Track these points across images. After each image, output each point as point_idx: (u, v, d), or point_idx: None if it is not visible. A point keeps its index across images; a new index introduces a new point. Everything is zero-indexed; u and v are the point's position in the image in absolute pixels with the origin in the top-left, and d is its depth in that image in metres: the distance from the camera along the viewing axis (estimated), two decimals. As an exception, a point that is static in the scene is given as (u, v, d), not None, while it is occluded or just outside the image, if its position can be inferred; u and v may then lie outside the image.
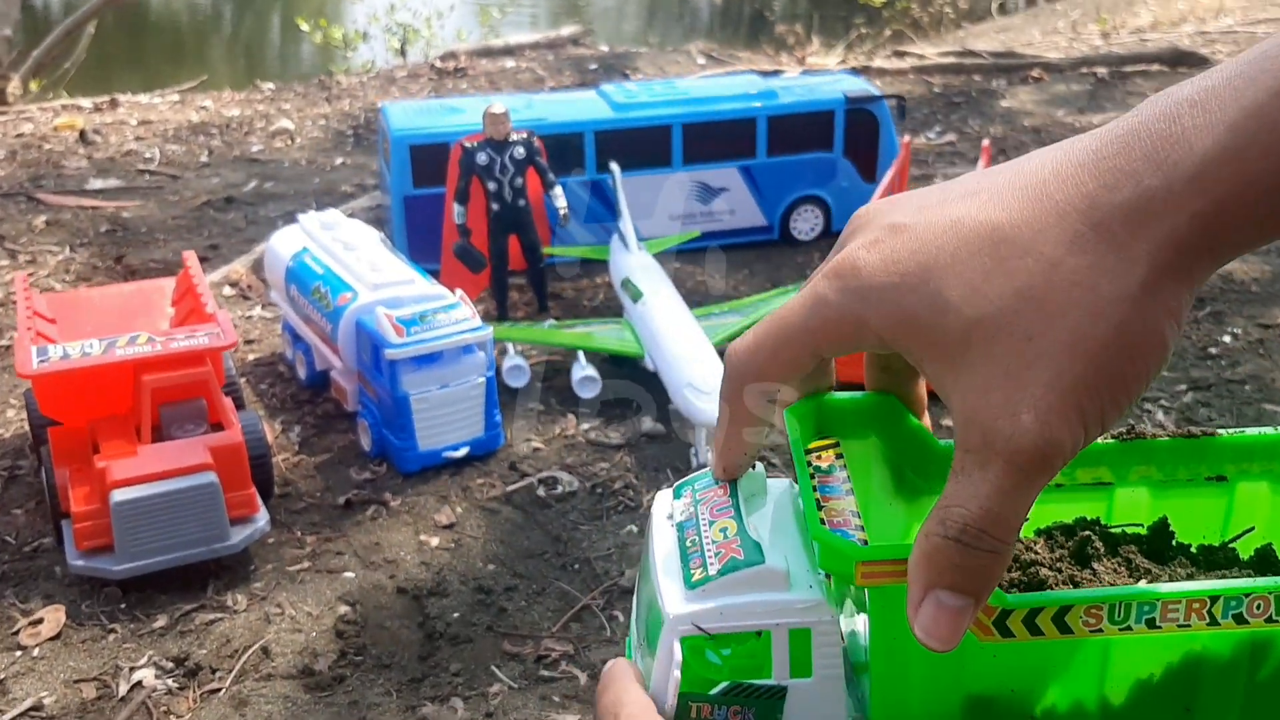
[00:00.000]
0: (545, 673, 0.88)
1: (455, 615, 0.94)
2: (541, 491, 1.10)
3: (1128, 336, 0.52)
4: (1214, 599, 0.65)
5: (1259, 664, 0.68)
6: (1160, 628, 0.66)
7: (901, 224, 0.54)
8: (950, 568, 0.53)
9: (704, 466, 1.07)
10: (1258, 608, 0.66)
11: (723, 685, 0.66)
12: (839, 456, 0.76)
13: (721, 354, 1.19)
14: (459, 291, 1.16)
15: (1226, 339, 1.34)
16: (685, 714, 0.66)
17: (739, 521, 0.71)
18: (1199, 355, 1.30)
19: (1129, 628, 0.65)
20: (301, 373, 1.32)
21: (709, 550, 0.70)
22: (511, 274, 1.44)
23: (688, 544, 0.72)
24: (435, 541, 1.04)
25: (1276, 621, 0.66)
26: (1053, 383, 0.51)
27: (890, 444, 0.81)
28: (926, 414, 0.77)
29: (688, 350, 1.13)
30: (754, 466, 0.77)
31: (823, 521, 0.67)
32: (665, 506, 0.79)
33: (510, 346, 1.29)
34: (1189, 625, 0.66)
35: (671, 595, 0.70)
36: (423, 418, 1.12)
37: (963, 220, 0.50)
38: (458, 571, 1.00)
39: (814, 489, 0.69)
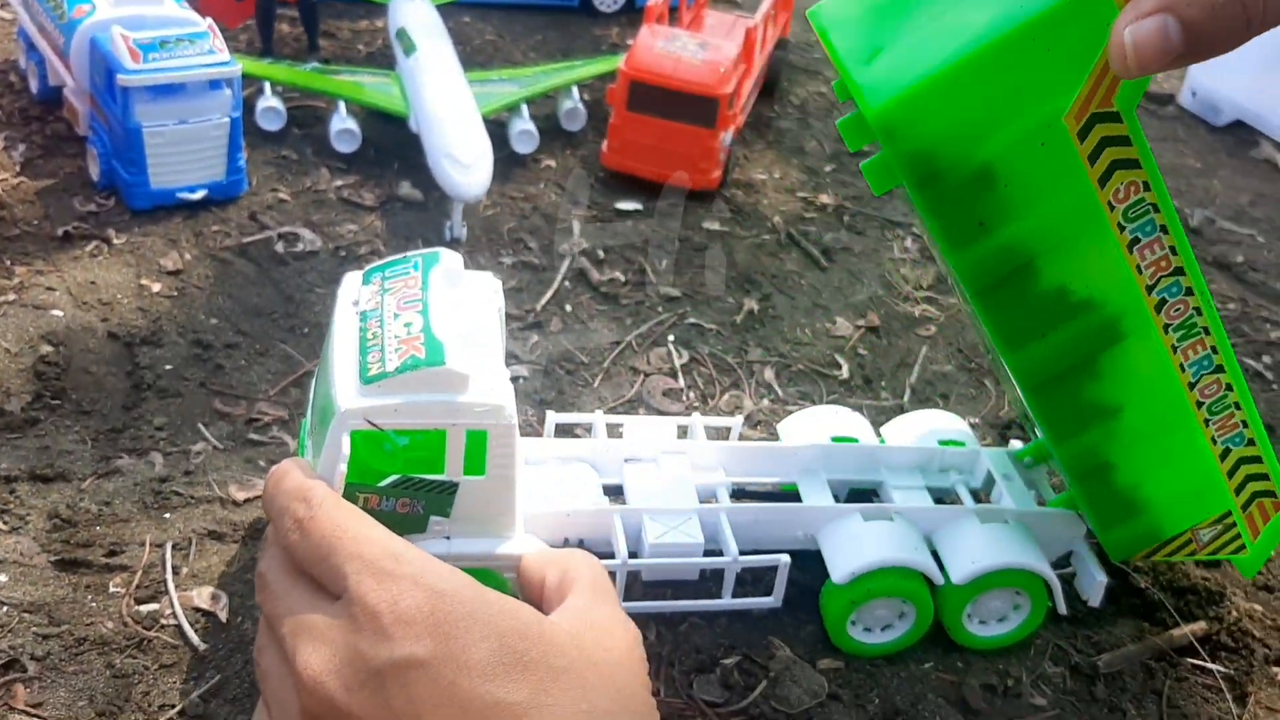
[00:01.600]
0: (254, 436, 0.86)
1: (168, 367, 0.90)
2: (280, 247, 1.05)
3: None
4: None
5: None
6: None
7: None
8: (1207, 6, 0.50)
9: (457, 241, 1.04)
10: None
11: (393, 478, 0.65)
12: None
13: (492, 121, 1.14)
14: (209, 20, 1.06)
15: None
16: (353, 503, 0.65)
17: (425, 317, 0.68)
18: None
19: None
20: (34, 85, 1.20)
21: (390, 344, 0.67)
22: (281, 5, 1.33)
23: (369, 335, 0.69)
24: (157, 287, 0.98)
25: None
26: None
27: None
28: None
29: (453, 117, 1.08)
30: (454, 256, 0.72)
31: None
32: (352, 291, 0.75)
33: (267, 86, 1.20)
34: None
35: (345, 388, 0.67)
36: (157, 153, 1.04)
37: None
38: (177, 321, 0.95)
39: None
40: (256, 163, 1.15)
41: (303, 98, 1.27)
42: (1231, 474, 0.70)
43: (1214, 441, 0.69)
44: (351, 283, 0.69)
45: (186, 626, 0.71)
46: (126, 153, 1.04)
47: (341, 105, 1.19)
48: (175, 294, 0.98)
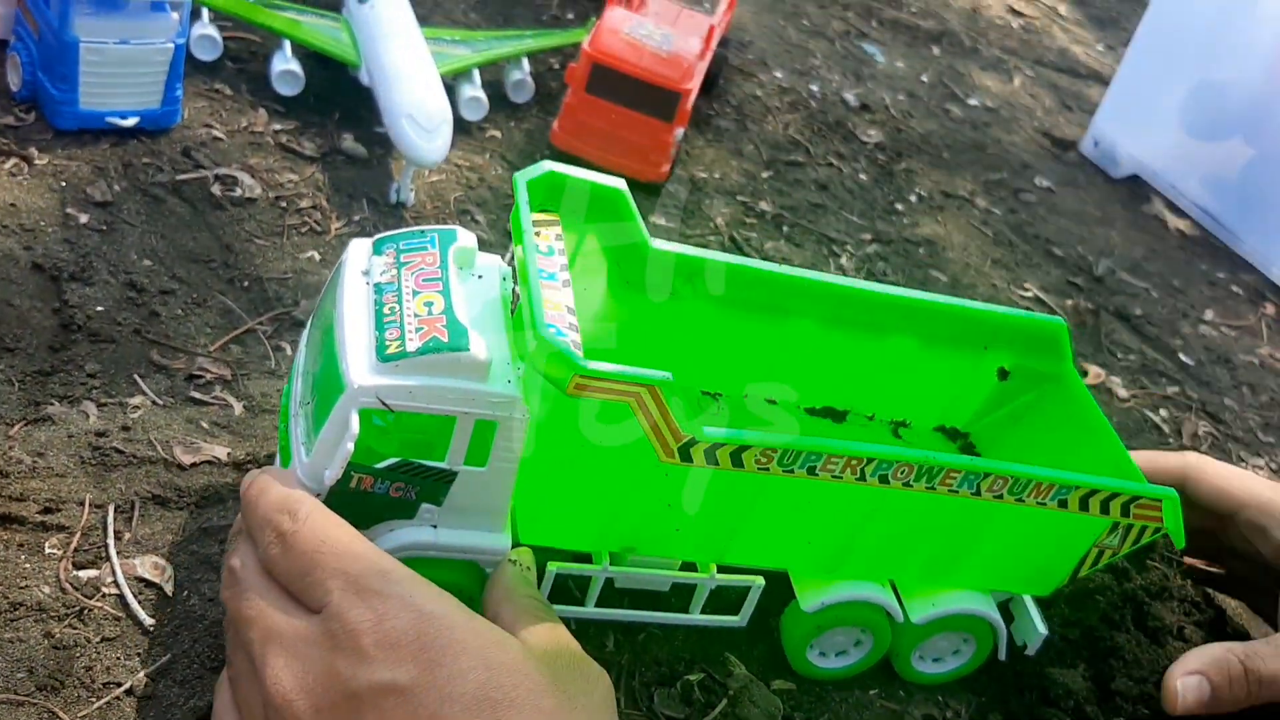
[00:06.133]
0: (196, 394, 0.80)
1: (99, 309, 0.84)
2: (217, 189, 0.99)
3: None
4: (869, 460, 0.69)
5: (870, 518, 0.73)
6: (818, 475, 0.69)
7: None
8: None
9: (403, 204, 1.00)
10: (901, 473, 0.71)
11: (392, 461, 0.62)
12: (559, 238, 0.73)
13: (448, 87, 1.09)
14: (163, -64, 0.99)
15: (912, 198, 1.40)
16: (346, 482, 0.62)
17: (447, 298, 0.66)
18: (886, 209, 1.36)
19: (791, 470, 0.68)
20: (-61, -28, 1.09)
21: (410, 323, 0.64)
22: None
23: (385, 310, 0.66)
24: (85, 219, 0.91)
25: (911, 487, 0.72)
26: None
27: (608, 237, 0.79)
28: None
29: (415, 77, 1.03)
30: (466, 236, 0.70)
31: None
32: (361, 260, 0.72)
33: (205, 12, 1.13)
34: (841, 478, 0.70)
35: (358, 363, 0.64)
36: (92, 72, 0.96)
37: None
38: (108, 259, 0.88)
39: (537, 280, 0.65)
40: (188, 93, 1.08)
41: (237, 28, 1.19)
42: (1085, 508, 0.72)
43: (1041, 505, 0.71)
44: (359, 250, 0.65)
45: (131, 598, 0.66)
46: (58, 67, 0.96)
47: (286, 44, 1.12)
48: (105, 228, 0.91)
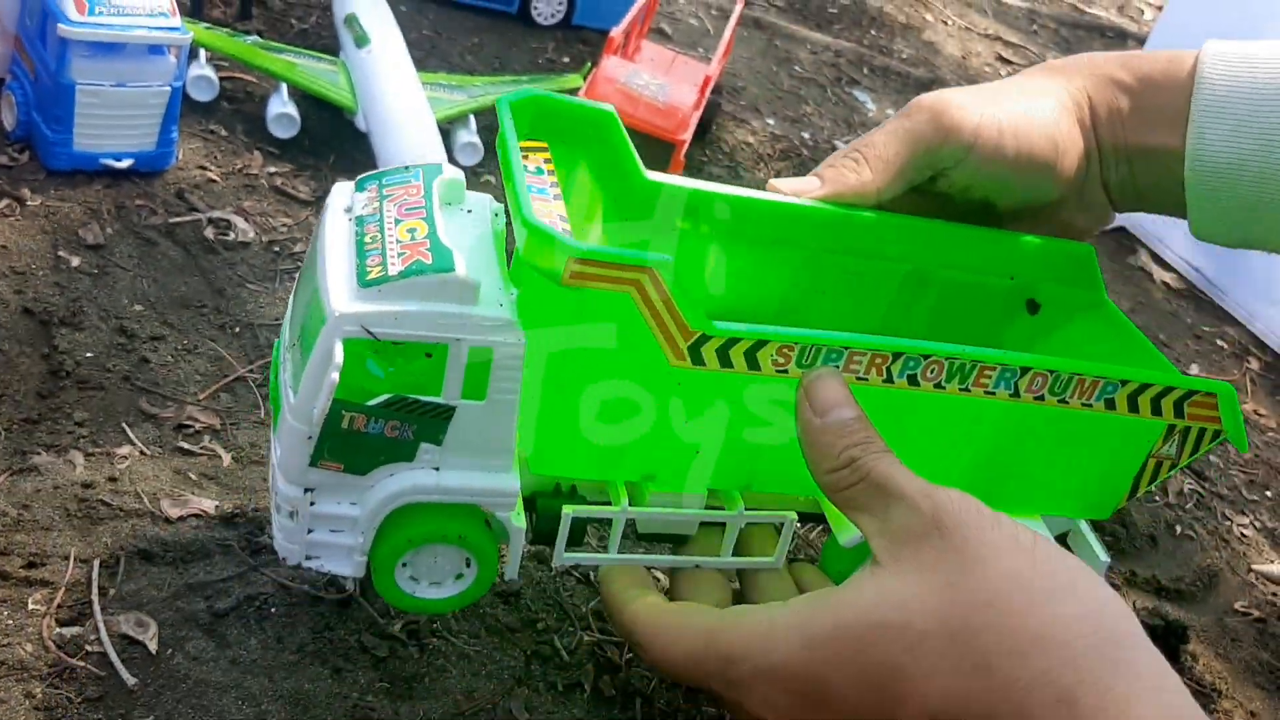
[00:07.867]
0: (185, 444, 0.80)
1: (88, 355, 0.83)
2: (210, 233, 0.99)
3: None
4: (896, 355, 0.66)
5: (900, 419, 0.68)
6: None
7: None
8: None
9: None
10: (931, 372, 0.68)
11: (384, 397, 0.59)
12: (548, 162, 0.70)
13: (443, 131, 1.09)
14: (162, -21, 0.99)
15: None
16: (337, 423, 0.59)
17: (430, 224, 0.63)
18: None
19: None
20: (-65, 7, 1.09)
21: (392, 249, 0.62)
22: (218, -35, 1.25)
23: (367, 239, 0.63)
24: (76, 262, 0.91)
25: (944, 388, 0.69)
26: None
27: (597, 165, 0.76)
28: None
29: (412, 123, 1.04)
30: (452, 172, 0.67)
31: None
32: (343, 199, 0.69)
33: (202, 53, 1.13)
34: (866, 379, 0.67)
35: (339, 291, 0.61)
36: (87, 114, 0.96)
37: None
38: (99, 303, 0.88)
39: (523, 182, 0.62)
40: (183, 134, 1.08)
41: (233, 69, 1.19)
42: (1134, 409, 0.68)
43: (1087, 406, 0.67)
44: (342, 191, 0.63)
45: (114, 657, 0.65)
46: (53, 108, 0.96)
47: (283, 87, 1.13)
48: (96, 272, 0.91)
